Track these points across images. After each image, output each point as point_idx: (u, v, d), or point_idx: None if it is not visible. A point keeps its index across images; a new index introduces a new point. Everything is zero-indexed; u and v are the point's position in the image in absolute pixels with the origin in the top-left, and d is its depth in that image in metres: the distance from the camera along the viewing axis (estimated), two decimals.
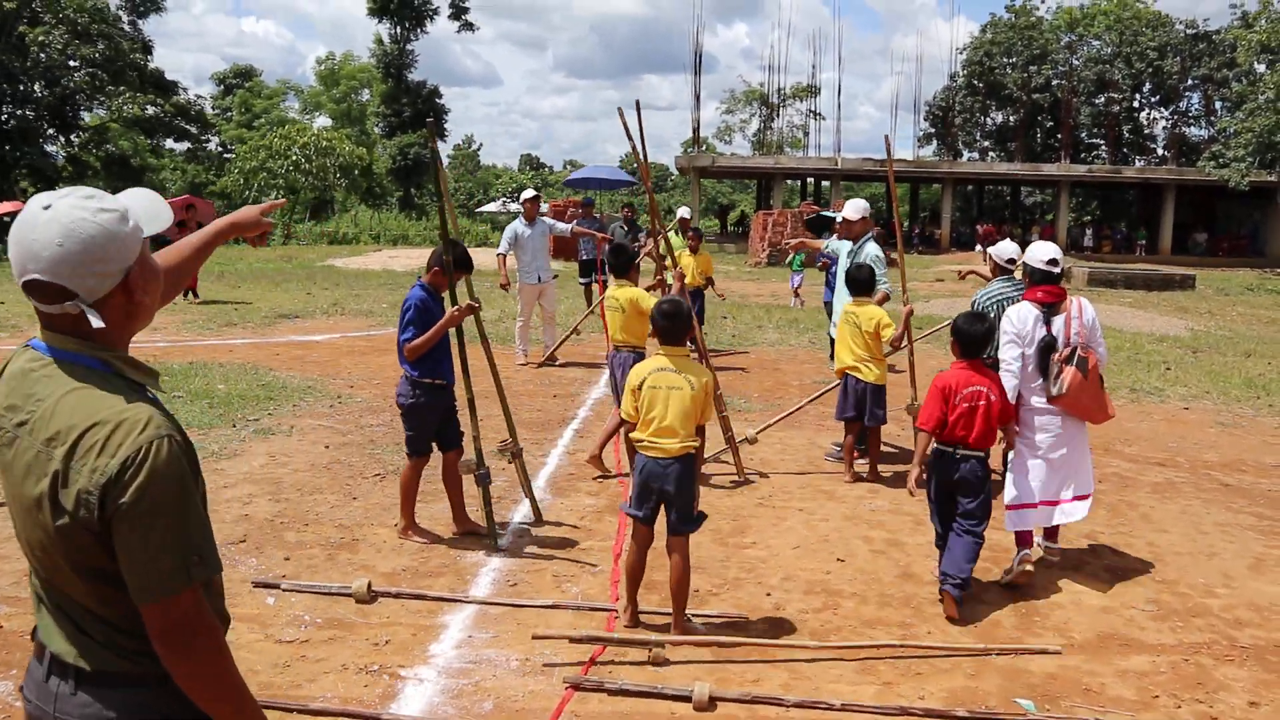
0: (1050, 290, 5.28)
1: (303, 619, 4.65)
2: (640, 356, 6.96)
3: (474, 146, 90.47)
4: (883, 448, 7.42)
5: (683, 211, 13.09)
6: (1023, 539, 5.24)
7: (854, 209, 7.72)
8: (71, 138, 42.16)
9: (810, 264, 18.73)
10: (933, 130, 53.89)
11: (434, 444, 5.72)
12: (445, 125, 61.75)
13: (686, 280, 10.71)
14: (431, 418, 5.62)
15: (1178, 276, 26.63)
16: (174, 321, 14.47)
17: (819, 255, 9.92)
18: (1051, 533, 5.55)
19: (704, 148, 54.38)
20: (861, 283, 7.01)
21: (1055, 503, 5.31)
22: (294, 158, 42.07)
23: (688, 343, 4.70)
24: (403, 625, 4.63)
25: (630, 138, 7.10)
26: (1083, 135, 51.07)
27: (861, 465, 7.16)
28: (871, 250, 7.48)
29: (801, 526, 6.02)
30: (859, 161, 39.66)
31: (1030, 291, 5.35)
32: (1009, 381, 5.14)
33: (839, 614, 4.82)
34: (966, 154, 52.90)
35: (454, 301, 5.54)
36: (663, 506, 4.63)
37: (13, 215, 24.47)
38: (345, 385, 9.98)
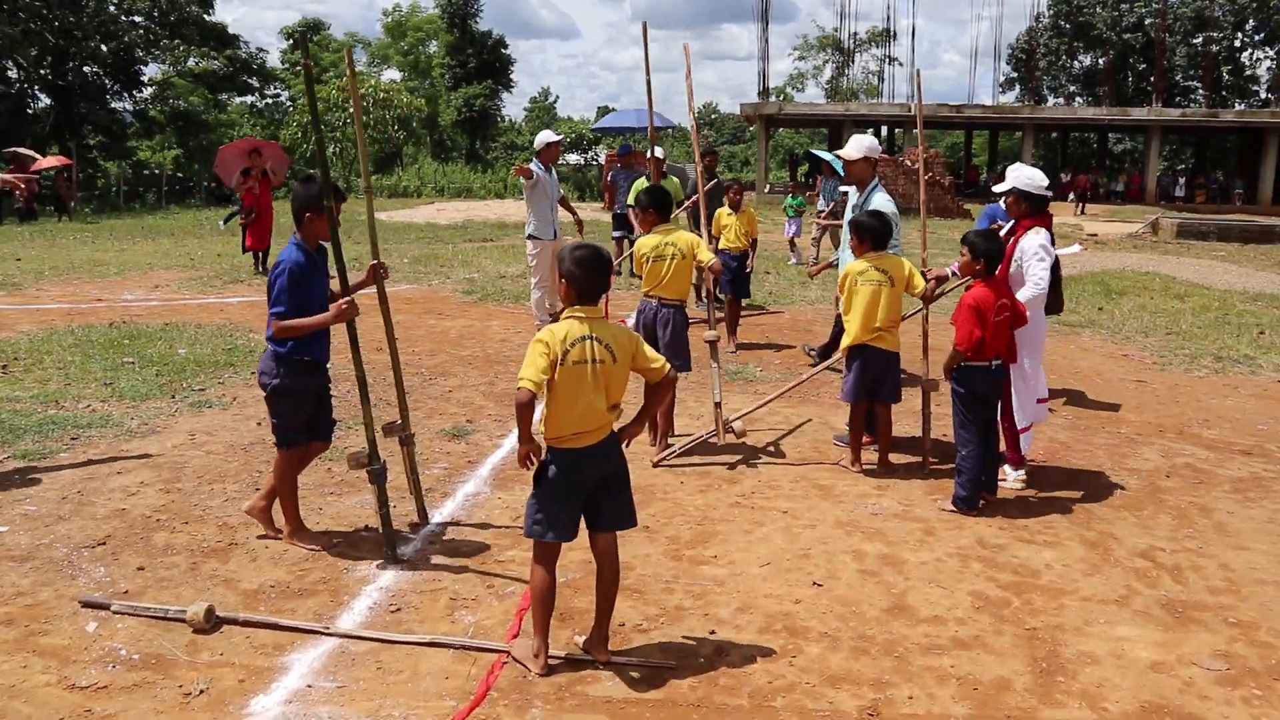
0: (1050, 215, 5.73)
1: (116, 654, 3.71)
2: (682, 314, 6.21)
3: (550, 99, 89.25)
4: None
5: (659, 151, 11.13)
6: (1017, 456, 5.70)
7: (855, 146, 6.37)
8: (136, 94, 42.23)
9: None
10: (1015, 75, 50.94)
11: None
12: (512, 75, 60.90)
13: (727, 242, 9.74)
14: (303, 402, 4.62)
15: (1278, 229, 24.34)
16: (179, 278, 13.80)
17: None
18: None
19: (781, 97, 52.47)
20: (879, 232, 5.74)
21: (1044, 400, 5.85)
22: (352, 109, 41.36)
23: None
24: (234, 666, 3.65)
25: (648, 71, 6.07)
26: (1177, 78, 47.75)
27: (871, 456, 5.97)
28: (881, 199, 6.19)
29: (780, 535, 4.88)
30: (934, 107, 37.50)
31: (1043, 218, 5.61)
32: (1036, 293, 5.45)
33: (796, 664, 3.69)
34: (1051, 100, 49.90)
35: (336, 245, 4.47)
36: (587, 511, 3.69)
37: (55, 170, 24.22)
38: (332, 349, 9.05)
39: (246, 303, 11.79)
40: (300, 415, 4.63)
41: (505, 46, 58.96)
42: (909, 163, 29.87)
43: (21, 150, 23.86)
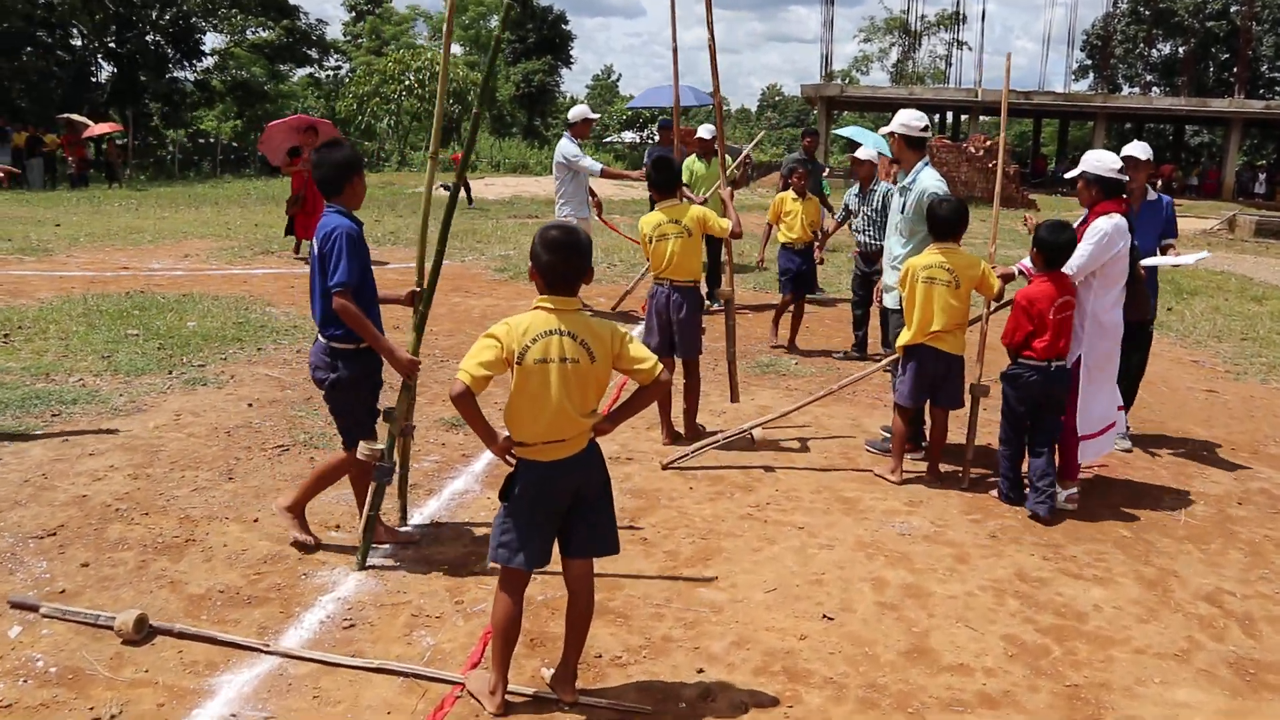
0: (1127, 200, 5.24)
1: (32, 666, 3.33)
2: (696, 294, 5.77)
3: (613, 77, 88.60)
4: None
5: (703, 130, 10.11)
6: (1074, 469, 5.14)
7: (903, 120, 5.64)
8: (196, 64, 42.50)
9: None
10: (1089, 63, 49.15)
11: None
12: (571, 52, 60.50)
13: (790, 235, 8.74)
14: (366, 393, 4.14)
15: None
16: (211, 248, 13.56)
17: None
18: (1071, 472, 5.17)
19: (846, 80, 51.28)
20: (949, 221, 5.14)
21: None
22: (407, 83, 41.27)
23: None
24: (157, 687, 3.24)
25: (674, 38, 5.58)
26: (1262, 69, 45.60)
27: (915, 463, 5.41)
28: (932, 181, 5.50)
29: (792, 555, 4.35)
30: (1000, 93, 36.22)
31: (1117, 203, 5.02)
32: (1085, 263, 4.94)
33: (792, 717, 3.18)
34: (1126, 89, 48.10)
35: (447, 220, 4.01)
36: (560, 532, 3.20)
37: (108, 136, 24.30)
38: None
39: (271, 274, 11.48)
40: (364, 408, 4.15)
41: (566, 22, 58.62)
42: (972, 149, 28.80)
43: (75, 117, 24.09)
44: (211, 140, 36.99)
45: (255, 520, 4.52)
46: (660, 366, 3.11)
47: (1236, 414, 7.19)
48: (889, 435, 5.75)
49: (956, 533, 4.64)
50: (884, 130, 5.82)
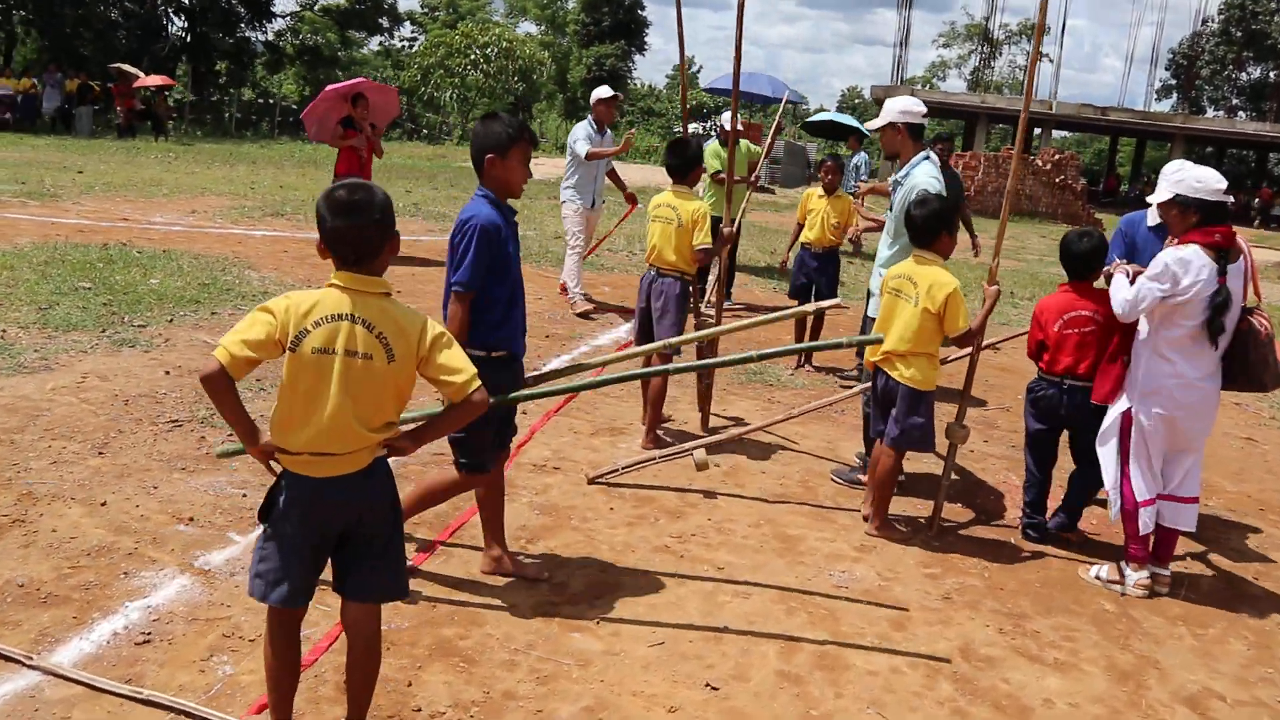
0: (1227, 231, 3.95)
1: None
2: (681, 285, 5.29)
3: (694, 69, 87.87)
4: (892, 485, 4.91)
5: (726, 117, 9.65)
6: (1138, 549, 4.15)
7: (892, 109, 4.94)
8: (266, 24, 42.63)
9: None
10: (1174, 82, 47.19)
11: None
12: (646, 38, 59.77)
13: (809, 235, 7.73)
14: (493, 412, 3.35)
15: None
16: (223, 205, 13.20)
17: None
18: (1166, 551, 4.25)
19: (927, 86, 49.95)
20: (923, 226, 4.41)
21: (1181, 499, 4.19)
22: (473, 56, 40.96)
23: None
24: None
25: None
26: None
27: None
28: (925, 176, 4.80)
29: (698, 600, 3.70)
30: (1076, 108, 34.83)
31: (1203, 233, 3.93)
32: (1125, 308, 4.04)
33: None
34: (1211, 111, 46.09)
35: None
36: (332, 561, 2.61)
37: (158, 89, 24.26)
38: None
39: (271, 237, 11.05)
40: (490, 429, 3.46)
41: (642, 8, 57.84)
42: (1039, 163, 27.58)
43: (126, 67, 24.08)
44: (271, 101, 36.95)
45: (103, 504, 3.99)
46: (478, 384, 2.49)
47: (1275, 468, 6.35)
48: (863, 462, 5.08)
49: (905, 589, 3.94)
50: (878, 122, 5.06)
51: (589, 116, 8.84)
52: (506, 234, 3.40)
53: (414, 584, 3.58)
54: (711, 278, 7.74)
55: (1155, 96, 47.06)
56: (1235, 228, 3.99)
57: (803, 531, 4.40)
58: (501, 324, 3.45)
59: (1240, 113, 45.96)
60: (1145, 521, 4.11)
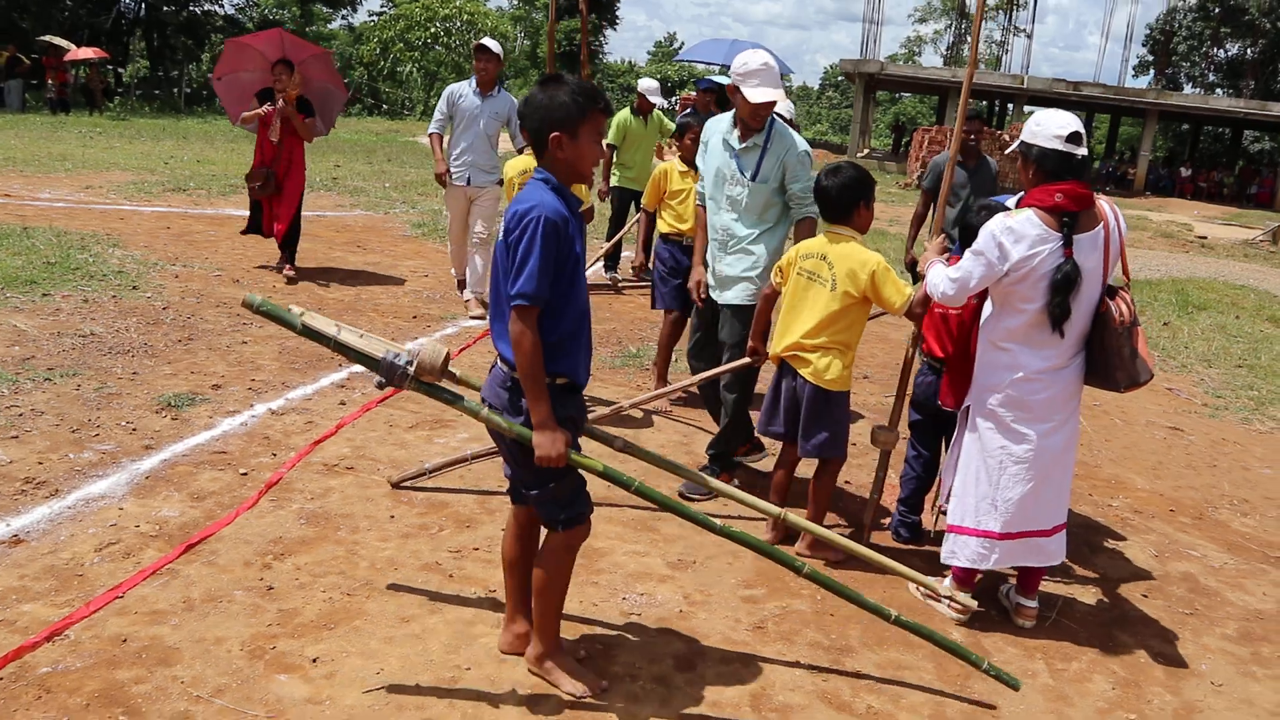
0: (1073, 190, 3.17)
1: None
2: None
3: (674, 45, 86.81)
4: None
5: (643, 84, 8.56)
6: (959, 571, 3.51)
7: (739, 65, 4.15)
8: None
9: None
10: (1150, 59, 46.58)
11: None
12: (617, 14, 58.73)
13: (678, 225, 5.73)
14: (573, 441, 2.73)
15: None
16: (124, 181, 12.44)
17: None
18: (1030, 581, 3.53)
19: (906, 61, 49.21)
20: (839, 198, 3.75)
21: (1033, 534, 3.40)
22: (433, 30, 40.02)
23: None
24: None
25: None
26: None
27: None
28: (799, 144, 4.23)
29: (448, 634, 3.06)
30: (1048, 82, 34.17)
31: (1041, 192, 3.20)
32: (952, 289, 3.31)
33: None
34: (1189, 88, 45.53)
35: None
36: None
37: (88, 63, 23.34)
38: (172, 274, 7.51)
39: (159, 213, 10.31)
40: (569, 469, 2.71)
41: None
42: (1007, 138, 26.97)
43: (56, 39, 23.16)
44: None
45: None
46: None
47: (1196, 462, 5.77)
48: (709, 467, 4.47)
49: (710, 616, 3.32)
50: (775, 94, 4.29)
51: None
52: (574, 229, 2.63)
53: (114, 616, 2.96)
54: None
55: (1132, 73, 46.51)
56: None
57: (611, 543, 3.77)
58: (568, 345, 2.67)
59: (1217, 90, 45.44)
60: (954, 551, 3.46)
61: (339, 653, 2.91)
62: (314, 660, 2.87)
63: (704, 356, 4.63)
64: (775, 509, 3.15)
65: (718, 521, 2.83)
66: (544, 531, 2.86)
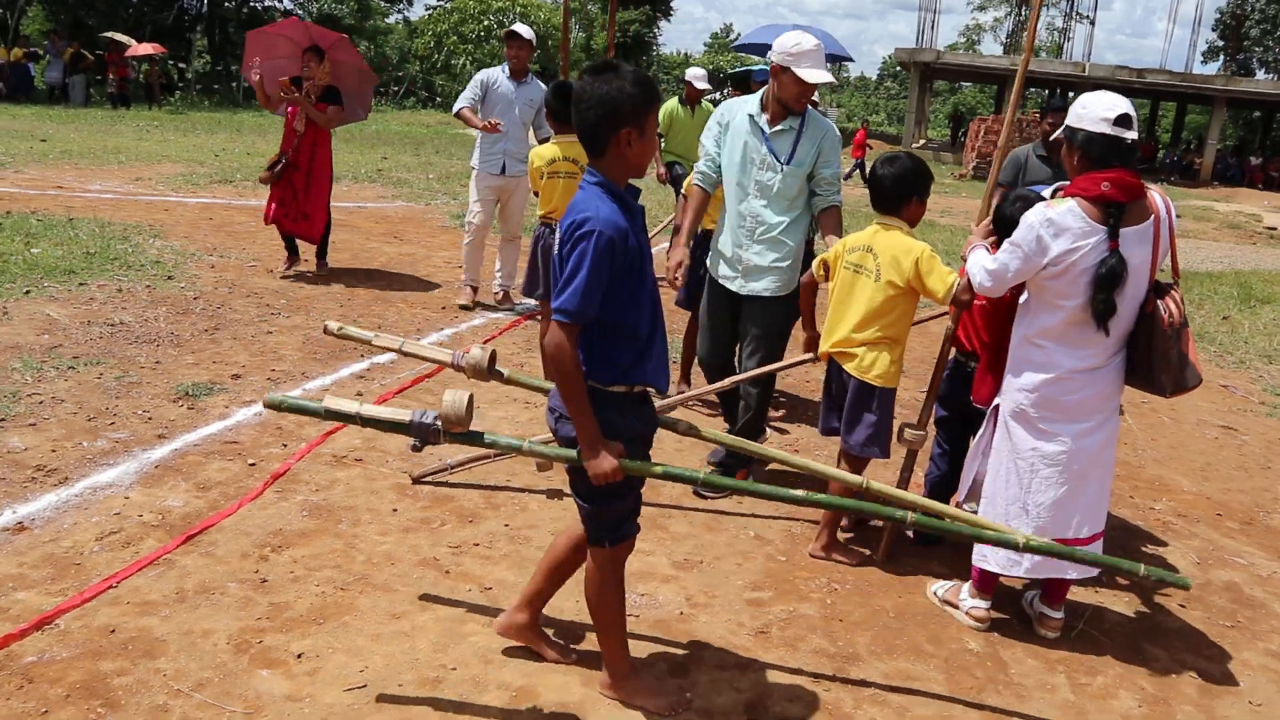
0: (1121, 178, 2.91)
1: None
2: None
3: (731, 36, 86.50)
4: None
5: (691, 73, 8.47)
6: (980, 577, 3.31)
7: (786, 45, 3.93)
8: None
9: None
10: (1220, 44, 45.09)
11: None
12: (671, 5, 58.46)
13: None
14: (636, 457, 2.57)
15: None
16: (173, 173, 12.64)
17: None
18: (1057, 591, 3.32)
19: (964, 51, 48.41)
20: (892, 189, 3.56)
21: (1068, 543, 3.11)
22: (486, 23, 40.18)
23: None
24: None
25: None
26: None
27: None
28: (834, 128, 4.12)
29: (437, 631, 2.99)
30: (1111, 70, 33.25)
31: (1086, 180, 2.95)
32: (990, 281, 3.14)
33: None
34: (1261, 74, 43.98)
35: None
36: None
37: (148, 58, 23.79)
38: (208, 265, 7.57)
39: (203, 204, 10.46)
40: (625, 483, 2.55)
41: None
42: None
43: (118, 35, 23.63)
44: None
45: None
46: None
47: (1249, 463, 5.49)
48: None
49: (712, 619, 3.20)
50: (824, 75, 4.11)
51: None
52: (636, 241, 2.45)
53: (106, 606, 2.94)
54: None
55: (1200, 59, 45.02)
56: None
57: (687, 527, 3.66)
58: (641, 361, 2.52)
59: None
60: (985, 554, 3.25)
61: (325, 649, 2.85)
62: (299, 656, 2.81)
63: (720, 355, 4.46)
64: (856, 478, 2.96)
65: (799, 492, 2.75)
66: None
